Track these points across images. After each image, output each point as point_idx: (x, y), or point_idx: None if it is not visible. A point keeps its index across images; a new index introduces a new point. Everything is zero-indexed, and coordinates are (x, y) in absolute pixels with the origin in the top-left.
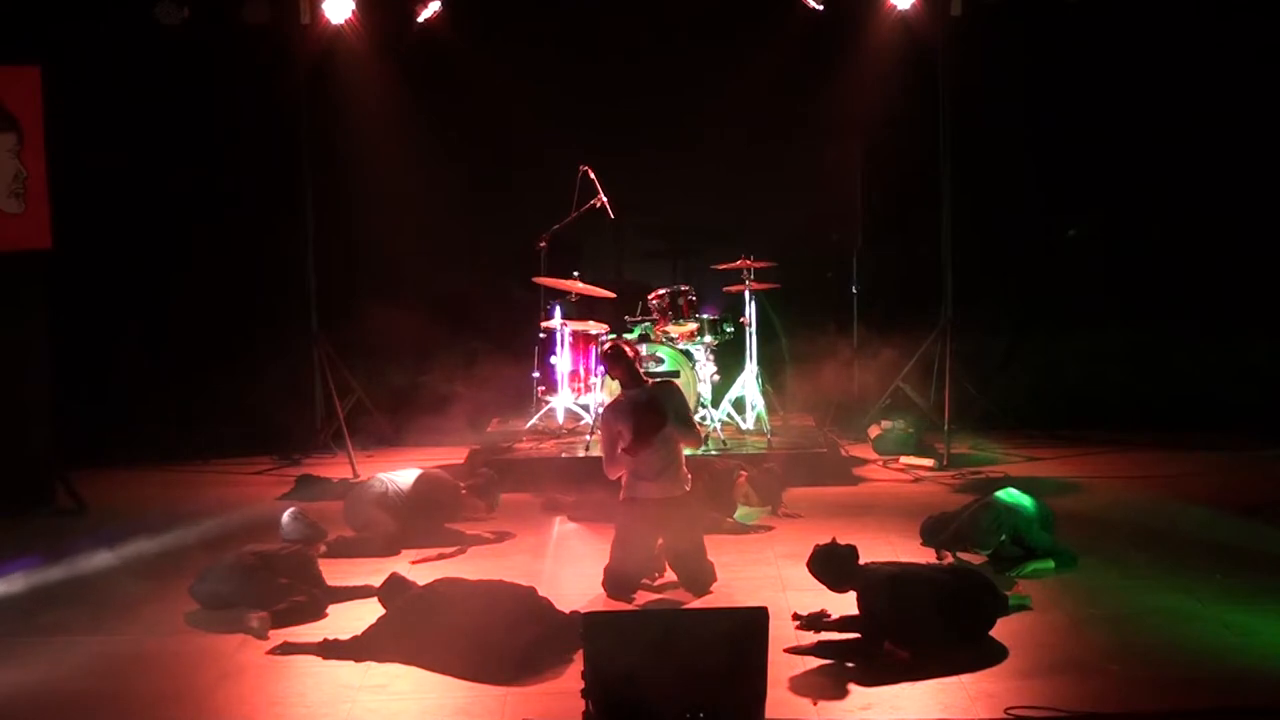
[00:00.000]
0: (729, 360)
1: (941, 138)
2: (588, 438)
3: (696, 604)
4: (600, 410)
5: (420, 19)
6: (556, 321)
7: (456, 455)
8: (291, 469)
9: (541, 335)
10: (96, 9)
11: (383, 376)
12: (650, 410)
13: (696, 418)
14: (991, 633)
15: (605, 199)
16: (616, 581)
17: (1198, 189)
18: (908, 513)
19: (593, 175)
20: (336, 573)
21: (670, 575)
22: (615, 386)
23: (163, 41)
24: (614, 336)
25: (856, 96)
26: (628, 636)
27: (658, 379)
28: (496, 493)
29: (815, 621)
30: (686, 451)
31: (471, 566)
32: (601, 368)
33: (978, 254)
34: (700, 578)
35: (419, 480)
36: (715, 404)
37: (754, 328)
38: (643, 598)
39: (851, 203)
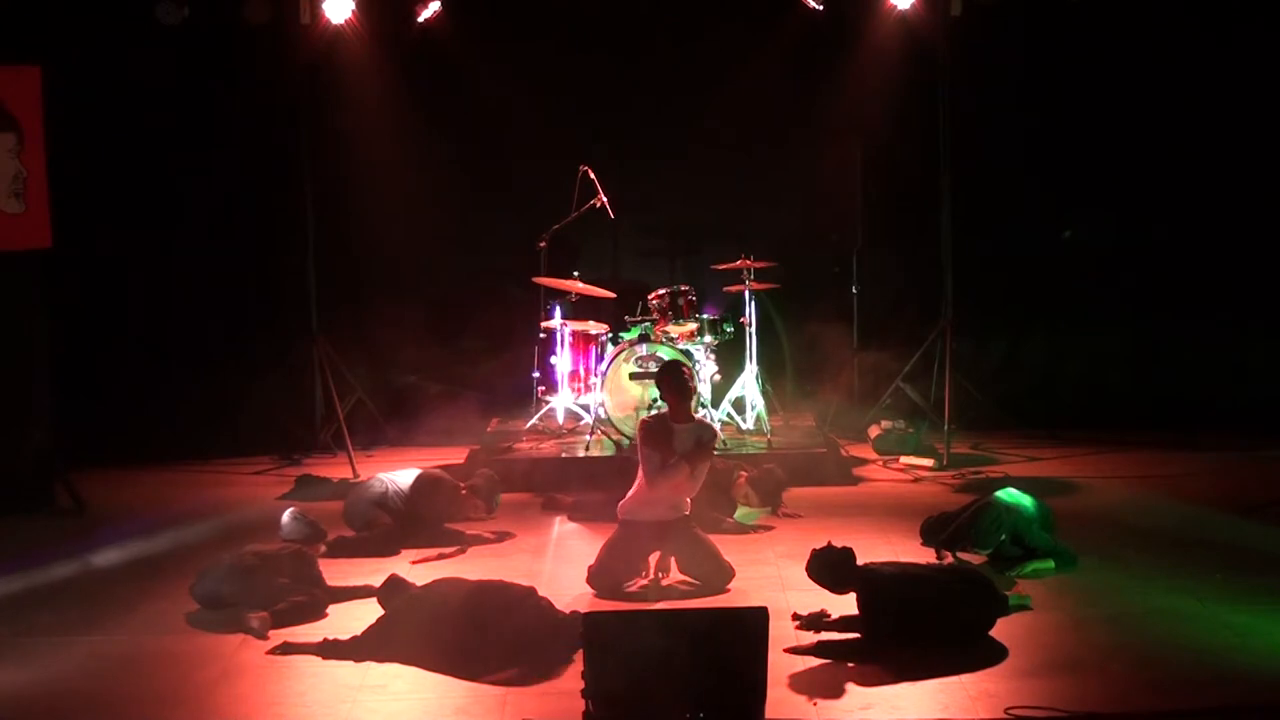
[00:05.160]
0: (729, 360)
1: (941, 138)
2: (588, 438)
3: (697, 604)
4: (639, 427)
5: (420, 19)
6: (556, 321)
7: (456, 455)
8: (291, 469)
9: (541, 335)
10: (96, 9)
11: (383, 377)
12: (694, 457)
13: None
14: (991, 633)
15: (605, 199)
16: (601, 582)
17: (1198, 188)
18: (908, 513)
19: (592, 175)
20: (336, 573)
21: (677, 574)
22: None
23: (163, 41)
24: (677, 362)
25: (856, 96)
26: (628, 636)
27: (700, 421)
28: (496, 493)
29: (815, 621)
30: None
31: (471, 566)
32: (659, 388)
33: (978, 254)
34: (718, 578)
35: (419, 480)
36: (715, 404)
37: (754, 328)
38: (644, 597)
39: (851, 203)
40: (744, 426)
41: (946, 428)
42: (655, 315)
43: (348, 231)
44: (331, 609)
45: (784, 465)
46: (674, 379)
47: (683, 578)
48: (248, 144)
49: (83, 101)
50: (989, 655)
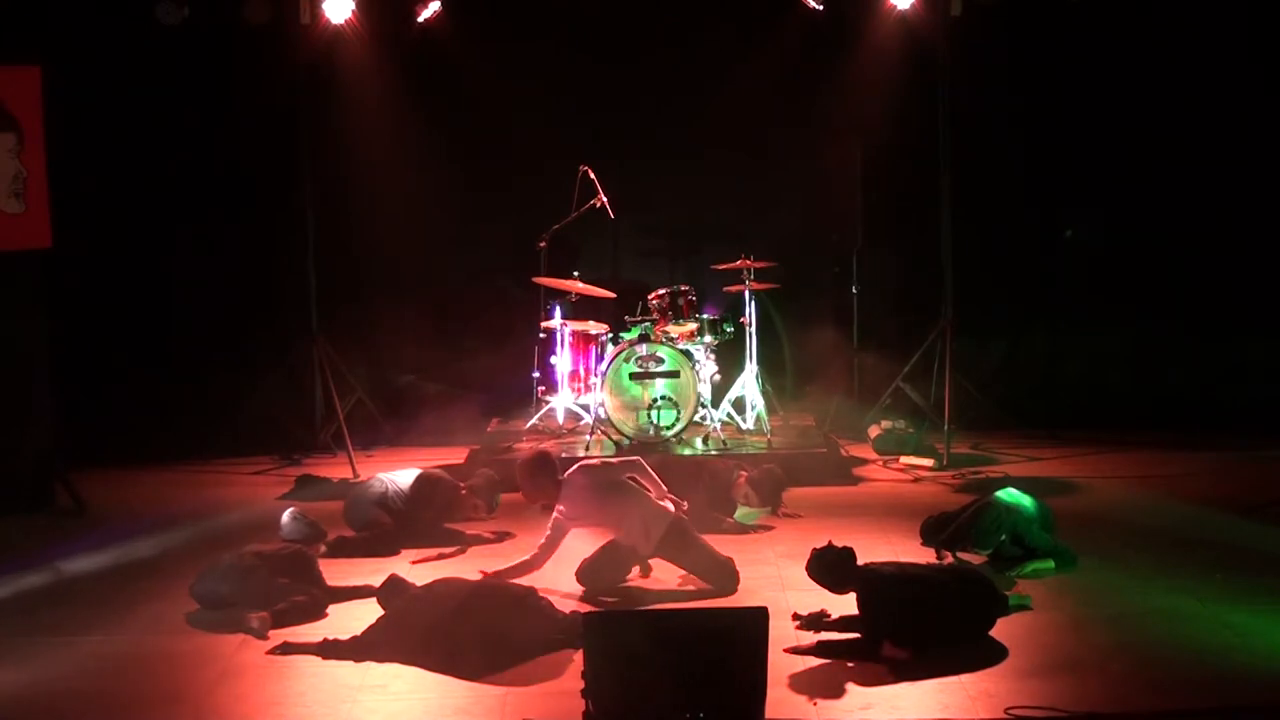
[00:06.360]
0: (729, 360)
1: (941, 137)
2: (588, 438)
3: (697, 604)
4: (563, 520)
5: (420, 19)
6: (556, 321)
7: (456, 455)
8: (291, 469)
9: (541, 335)
10: (96, 9)
11: (383, 377)
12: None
13: (696, 418)
14: (991, 633)
15: (605, 199)
16: (590, 579)
17: (1198, 188)
18: (908, 513)
19: (592, 175)
20: (336, 573)
21: (680, 574)
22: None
23: (163, 41)
24: (535, 450)
25: (856, 96)
26: (628, 636)
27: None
28: (496, 493)
29: (815, 621)
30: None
31: (471, 566)
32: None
33: (978, 253)
34: (726, 579)
35: (419, 480)
36: (715, 404)
37: (754, 328)
38: (646, 598)
39: (851, 203)
40: (744, 426)
41: (946, 428)
42: (655, 315)
43: (348, 231)
44: (331, 609)
45: (784, 465)
46: (535, 474)
47: (687, 577)
48: (248, 144)
49: (83, 101)
50: (989, 655)
